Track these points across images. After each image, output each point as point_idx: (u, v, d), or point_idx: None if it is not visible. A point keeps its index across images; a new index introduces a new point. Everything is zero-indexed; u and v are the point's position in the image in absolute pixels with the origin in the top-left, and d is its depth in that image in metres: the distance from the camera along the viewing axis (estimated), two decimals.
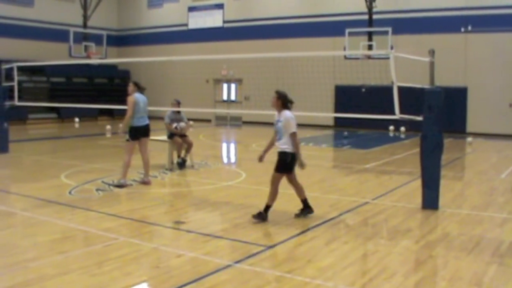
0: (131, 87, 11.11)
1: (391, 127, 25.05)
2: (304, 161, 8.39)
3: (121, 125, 11.01)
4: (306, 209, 8.61)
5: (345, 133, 23.61)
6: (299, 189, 8.63)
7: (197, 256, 6.51)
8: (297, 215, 8.53)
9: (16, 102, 16.02)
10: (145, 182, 11.15)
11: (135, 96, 10.91)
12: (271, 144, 8.79)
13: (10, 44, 29.41)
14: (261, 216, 8.22)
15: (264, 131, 25.64)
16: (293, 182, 8.58)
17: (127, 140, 10.98)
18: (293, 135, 8.23)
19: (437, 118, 9.10)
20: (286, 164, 8.30)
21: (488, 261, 6.46)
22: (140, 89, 11.15)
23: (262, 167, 14.29)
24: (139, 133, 10.99)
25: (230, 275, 5.92)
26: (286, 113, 8.32)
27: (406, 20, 25.64)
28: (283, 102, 8.40)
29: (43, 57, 28.05)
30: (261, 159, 8.78)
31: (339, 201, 9.85)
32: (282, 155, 8.29)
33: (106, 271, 5.96)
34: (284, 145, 8.27)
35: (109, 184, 10.99)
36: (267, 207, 8.30)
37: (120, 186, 10.80)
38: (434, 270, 6.28)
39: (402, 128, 24.89)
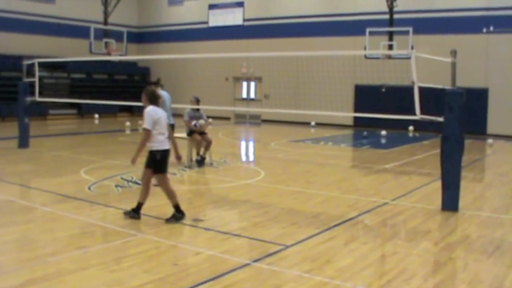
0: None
1: (411, 128, 24.91)
2: (135, 159, 7.86)
3: (140, 122, 10.97)
4: (135, 212, 8.07)
5: (365, 132, 23.50)
6: (170, 194, 8.11)
7: (215, 254, 6.51)
8: (167, 220, 7.98)
9: (37, 98, 16.11)
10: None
11: (161, 94, 10.87)
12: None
13: (32, 41, 29.70)
14: (132, 214, 7.99)
15: (284, 129, 25.71)
16: (164, 185, 8.09)
17: None
18: (144, 131, 7.79)
19: (458, 119, 9.02)
20: (156, 162, 7.89)
21: (509, 264, 6.39)
22: (157, 86, 11.04)
23: (281, 166, 14.33)
24: None
25: (248, 274, 5.91)
26: (147, 108, 7.92)
27: (427, 20, 25.46)
28: (149, 98, 8.03)
29: (64, 53, 28.32)
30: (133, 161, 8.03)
31: (358, 201, 9.79)
32: (150, 154, 7.91)
33: (125, 267, 5.98)
34: (151, 143, 7.87)
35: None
36: (139, 205, 8.03)
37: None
38: (453, 273, 6.21)
39: (411, 127, 24.80)
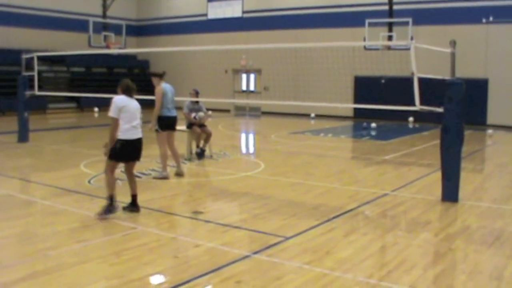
0: (156, 80, 10.88)
1: (411, 119, 24.91)
2: (106, 150, 7.82)
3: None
4: (133, 206, 8.03)
5: (364, 124, 23.48)
6: (132, 183, 8.08)
7: (215, 246, 6.51)
8: (124, 208, 7.98)
9: (36, 92, 16.07)
10: (179, 174, 11.09)
11: (163, 87, 10.82)
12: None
13: (31, 34, 29.60)
14: (130, 208, 7.96)
15: (283, 121, 25.69)
16: (109, 174, 7.87)
17: (156, 131, 10.76)
18: (111, 120, 7.73)
19: (458, 110, 9.01)
20: (115, 151, 7.73)
21: (509, 255, 6.39)
22: (161, 78, 10.96)
23: (281, 158, 14.33)
24: (168, 124, 10.89)
25: (248, 265, 5.91)
26: (115, 97, 7.92)
27: (427, 11, 25.38)
28: (122, 89, 8.04)
29: (63, 47, 28.22)
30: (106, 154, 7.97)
31: (358, 193, 9.79)
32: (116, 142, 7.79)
33: (125, 260, 5.98)
34: (118, 131, 7.80)
35: (154, 178, 10.87)
36: (133, 197, 7.97)
37: (163, 178, 10.72)
38: (453, 263, 6.22)
39: (411, 118, 24.83)
